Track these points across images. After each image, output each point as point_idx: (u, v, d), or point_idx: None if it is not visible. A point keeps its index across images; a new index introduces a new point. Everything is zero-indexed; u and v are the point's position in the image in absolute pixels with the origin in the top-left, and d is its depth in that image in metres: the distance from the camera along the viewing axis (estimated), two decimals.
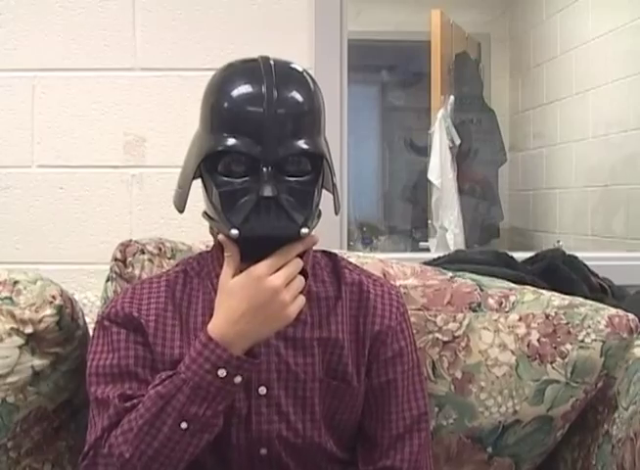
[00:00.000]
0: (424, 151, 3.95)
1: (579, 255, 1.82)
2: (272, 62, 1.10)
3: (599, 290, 1.76)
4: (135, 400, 1.09)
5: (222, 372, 1.04)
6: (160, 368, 1.13)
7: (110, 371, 1.13)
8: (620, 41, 3.22)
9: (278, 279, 1.04)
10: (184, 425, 1.05)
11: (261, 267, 1.05)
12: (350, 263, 1.27)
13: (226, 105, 1.08)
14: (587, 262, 1.80)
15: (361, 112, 4.36)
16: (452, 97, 3.81)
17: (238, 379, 1.05)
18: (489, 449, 1.44)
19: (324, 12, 1.83)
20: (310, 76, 1.13)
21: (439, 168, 3.68)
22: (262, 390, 1.15)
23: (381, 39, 4.38)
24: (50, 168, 1.82)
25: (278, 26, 1.82)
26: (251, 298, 1.04)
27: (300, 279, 1.07)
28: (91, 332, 1.29)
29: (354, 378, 1.18)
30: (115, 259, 1.45)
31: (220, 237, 1.09)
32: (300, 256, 1.08)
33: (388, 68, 4.93)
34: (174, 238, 1.53)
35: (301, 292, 1.07)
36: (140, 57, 1.82)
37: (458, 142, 3.77)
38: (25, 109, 1.82)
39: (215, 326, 1.06)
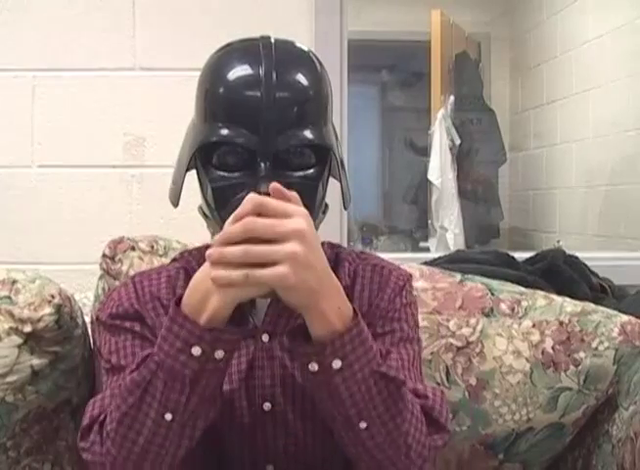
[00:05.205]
0: (424, 151, 3.95)
1: (579, 255, 1.82)
2: (273, 41, 1.01)
3: (599, 290, 1.76)
4: None
5: (197, 350, 0.86)
6: None
7: (131, 351, 1.00)
8: (620, 41, 3.21)
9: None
10: (168, 416, 0.88)
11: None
12: (352, 253, 1.13)
13: (220, 90, 0.99)
14: (587, 262, 1.80)
15: (361, 112, 4.36)
16: (452, 97, 3.82)
17: (219, 354, 0.87)
18: (501, 456, 1.43)
19: (324, 12, 1.83)
20: (316, 57, 1.04)
21: (439, 168, 3.69)
22: (267, 406, 1.04)
23: (381, 39, 4.38)
24: (50, 168, 1.82)
25: (278, 26, 1.80)
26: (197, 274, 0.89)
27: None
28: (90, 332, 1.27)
29: None
30: (104, 256, 1.44)
31: None
32: None
33: (389, 68, 4.94)
34: (174, 238, 1.52)
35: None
36: (140, 57, 1.82)
37: (458, 142, 3.77)
38: (25, 109, 1.81)
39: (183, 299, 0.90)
